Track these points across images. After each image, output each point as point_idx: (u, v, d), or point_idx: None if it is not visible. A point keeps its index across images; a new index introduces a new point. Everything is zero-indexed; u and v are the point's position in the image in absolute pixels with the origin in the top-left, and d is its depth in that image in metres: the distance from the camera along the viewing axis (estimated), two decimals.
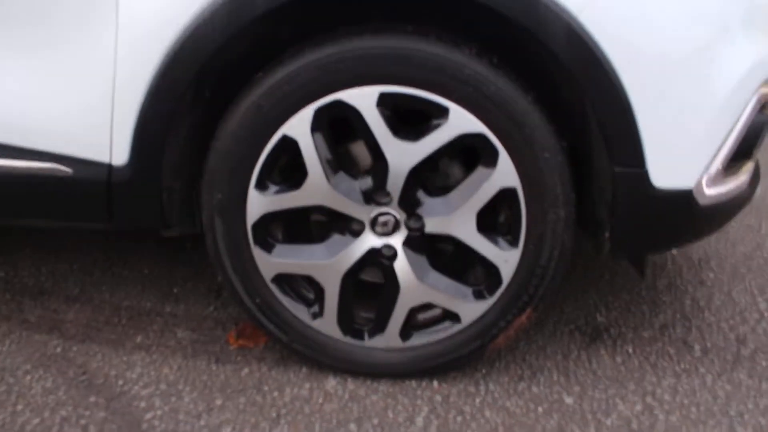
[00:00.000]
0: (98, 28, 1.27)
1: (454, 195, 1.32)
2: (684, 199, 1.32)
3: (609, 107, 1.24)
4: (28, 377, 1.43)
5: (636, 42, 1.23)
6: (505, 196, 1.31)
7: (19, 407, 1.34)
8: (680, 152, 1.30)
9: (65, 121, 1.34)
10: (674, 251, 2.02)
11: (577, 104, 1.31)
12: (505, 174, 1.29)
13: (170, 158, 1.37)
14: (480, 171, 1.30)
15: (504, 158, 1.28)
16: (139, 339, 1.57)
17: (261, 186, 1.33)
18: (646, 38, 1.23)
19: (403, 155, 1.28)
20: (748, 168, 1.52)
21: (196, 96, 1.35)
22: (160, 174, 1.36)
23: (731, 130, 1.33)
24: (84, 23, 1.28)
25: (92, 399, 1.37)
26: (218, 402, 1.37)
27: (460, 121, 1.26)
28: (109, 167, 1.35)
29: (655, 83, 1.24)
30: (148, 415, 1.33)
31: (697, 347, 1.58)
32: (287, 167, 1.37)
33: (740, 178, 1.47)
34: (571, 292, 1.79)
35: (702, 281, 1.87)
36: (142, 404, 1.36)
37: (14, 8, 1.29)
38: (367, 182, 1.34)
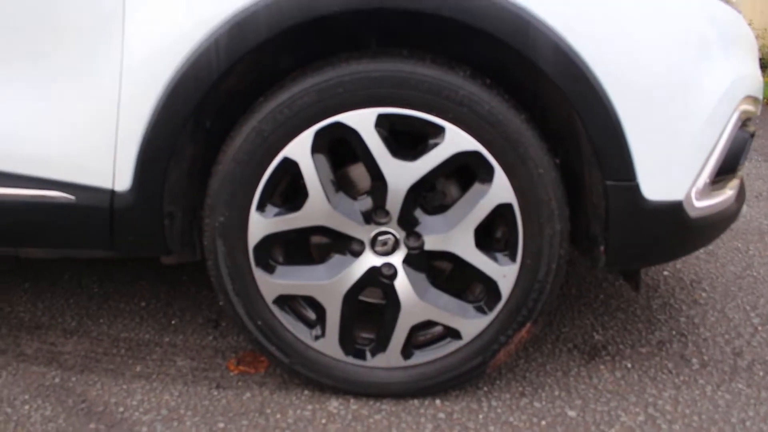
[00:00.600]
0: (103, 58, 1.31)
1: (452, 212, 1.36)
2: (675, 211, 1.36)
3: (598, 123, 1.29)
4: (27, 407, 1.41)
5: (623, 60, 1.28)
6: (502, 212, 1.34)
7: None
8: (669, 165, 1.34)
9: (69, 148, 1.36)
10: (666, 272, 2.06)
11: (569, 121, 1.36)
12: (501, 190, 1.32)
13: (172, 185, 1.39)
14: (477, 188, 1.34)
15: (499, 175, 1.31)
16: (138, 368, 1.56)
17: (262, 208, 1.35)
18: (631, 57, 1.29)
19: (401, 174, 1.32)
20: (733, 184, 1.57)
21: (197, 124, 1.38)
22: (162, 200, 1.38)
23: (716, 144, 1.39)
24: (88, 54, 1.31)
25: (92, 426, 1.36)
26: (221, 425, 1.36)
27: (456, 139, 1.30)
28: (111, 193, 1.37)
29: (642, 99, 1.30)
30: None
31: (694, 360, 1.60)
32: (287, 191, 1.40)
33: (727, 193, 1.53)
34: (568, 314, 1.81)
35: (695, 300, 1.90)
36: (144, 429, 1.35)
37: (20, 38, 1.32)
38: (367, 203, 1.36)
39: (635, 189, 1.32)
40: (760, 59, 6.04)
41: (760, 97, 1.56)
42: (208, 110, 1.39)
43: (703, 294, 1.93)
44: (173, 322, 1.78)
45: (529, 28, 1.25)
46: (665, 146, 1.33)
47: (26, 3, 1.30)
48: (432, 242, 1.37)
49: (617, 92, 1.28)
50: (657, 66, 1.30)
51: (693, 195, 1.38)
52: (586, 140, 1.33)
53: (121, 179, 1.36)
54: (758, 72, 1.56)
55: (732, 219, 1.60)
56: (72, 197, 1.38)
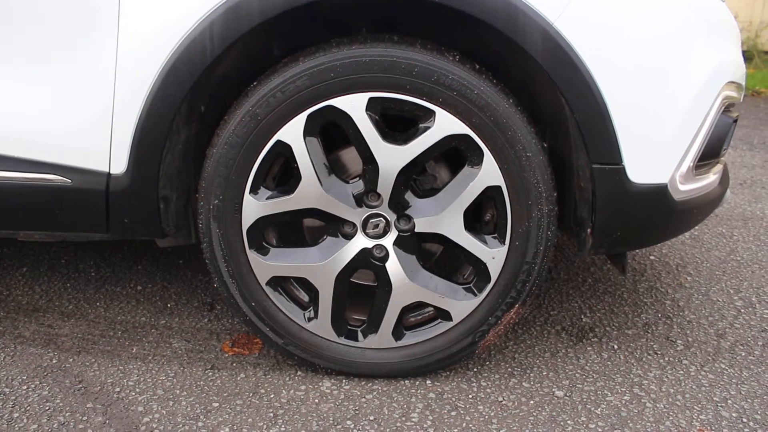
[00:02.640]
0: (98, 42, 1.33)
1: (442, 195, 1.38)
2: (660, 194, 1.39)
3: (585, 107, 1.32)
4: (25, 387, 1.44)
5: (609, 46, 1.31)
6: (491, 194, 1.37)
7: (16, 415, 1.35)
8: (654, 149, 1.37)
9: (65, 132, 1.38)
10: (652, 257, 2.09)
11: (557, 106, 1.39)
12: (490, 173, 1.35)
13: (167, 168, 1.42)
14: (466, 171, 1.36)
15: (488, 158, 1.34)
16: (134, 350, 1.59)
17: (256, 191, 1.38)
18: (617, 43, 1.32)
19: (392, 157, 1.34)
20: (717, 169, 1.61)
21: (191, 108, 1.41)
22: (157, 183, 1.40)
23: (699, 129, 1.42)
24: (85, 37, 1.33)
25: (89, 405, 1.38)
26: (215, 405, 1.39)
27: (446, 123, 1.32)
28: (107, 176, 1.39)
29: (627, 84, 1.33)
30: (146, 419, 1.35)
31: (679, 342, 1.64)
32: (281, 175, 1.43)
33: (710, 178, 1.56)
34: (556, 297, 1.85)
35: (681, 284, 1.93)
36: (140, 408, 1.38)
37: (18, 23, 1.34)
38: (359, 186, 1.39)
39: (621, 172, 1.35)
40: (745, 51, 6.12)
41: (743, 83, 1.59)
42: (203, 94, 1.41)
43: (688, 278, 1.97)
44: (169, 305, 1.81)
45: (518, 15, 1.27)
46: (650, 130, 1.36)
47: (30, 7, 1.32)
48: (422, 224, 1.39)
49: (603, 77, 1.31)
50: (642, 51, 1.33)
51: (677, 178, 1.41)
52: (573, 124, 1.36)
53: (117, 162, 1.38)
54: (741, 59, 1.59)
55: (716, 204, 1.64)
56: (69, 180, 1.40)
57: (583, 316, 1.75)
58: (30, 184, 1.41)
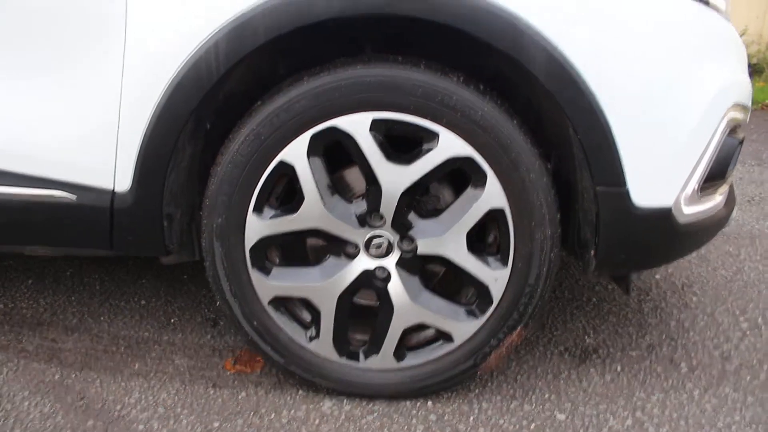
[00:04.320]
0: (104, 58, 1.33)
1: (445, 216, 1.38)
2: (664, 217, 1.38)
3: (589, 129, 1.31)
4: (26, 403, 1.44)
5: (613, 68, 1.30)
6: (494, 216, 1.37)
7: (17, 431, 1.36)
8: (658, 172, 1.37)
9: (70, 148, 1.39)
10: (657, 276, 2.08)
11: (562, 127, 1.39)
12: (493, 195, 1.35)
13: (171, 185, 1.42)
14: (469, 192, 1.36)
15: (492, 179, 1.34)
16: (137, 366, 1.59)
17: (259, 210, 1.38)
18: (622, 64, 1.31)
19: (395, 178, 1.34)
20: (723, 190, 1.60)
21: (196, 126, 1.41)
22: (162, 201, 1.41)
23: (705, 151, 1.41)
24: (90, 54, 1.34)
25: (90, 423, 1.38)
26: (216, 424, 1.39)
27: (450, 144, 1.32)
28: (111, 193, 1.40)
29: (631, 106, 1.32)
30: None
31: (683, 365, 1.62)
32: (284, 193, 1.43)
33: (716, 199, 1.55)
34: (560, 317, 1.84)
35: (686, 304, 1.92)
36: (141, 427, 1.37)
37: (22, 38, 1.35)
38: (362, 206, 1.39)
39: (625, 195, 1.35)
40: (755, 64, 6.09)
41: (749, 104, 1.58)
42: (209, 111, 1.42)
43: (694, 298, 1.96)
44: (172, 320, 1.81)
45: (523, 37, 1.27)
46: (655, 153, 1.35)
47: (30, 7, 1.33)
48: (425, 246, 1.39)
49: (608, 100, 1.30)
50: (647, 74, 1.33)
51: (682, 201, 1.40)
52: (577, 146, 1.36)
53: (122, 180, 1.39)
54: (747, 79, 1.58)
55: (721, 225, 1.62)
56: (73, 197, 1.41)
57: (586, 337, 1.74)
58: (35, 201, 1.42)
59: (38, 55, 1.35)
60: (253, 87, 1.43)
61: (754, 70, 5.82)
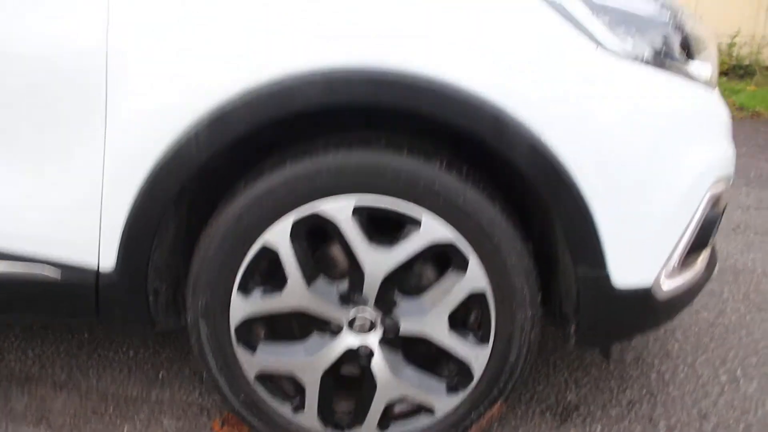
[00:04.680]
0: (87, 144, 1.33)
1: (427, 296, 1.40)
2: (644, 295, 1.41)
3: (571, 217, 1.33)
4: None
5: (594, 154, 1.31)
6: (475, 297, 1.39)
7: None
8: (639, 254, 1.39)
9: (55, 229, 1.39)
10: None
11: (543, 209, 1.40)
12: (475, 278, 1.36)
13: (156, 262, 1.43)
14: (451, 275, 1.38)
15: (474, 264, 1.35)
16: (125, 429, 1.62)
17: (244, 290, 1.39)
18: (604, 150, 1.32)
19: (378, 262, 1.35)
20: (704, 256, 1.62)
21: (180, 202, 1.42)
22: (146, 278, 1.42)
23: (686, 230, 1.43)
24: (73, 139, 1.34)
25: None
26: None
27: (432, 229, 1.33)
28: (96, 272, 1.41)
29: (614, 193, 1.33)
30: None
31: (662, 424, 1.66)
32: (268, 270, 1.44)
33: (697, 267, 1.57)
34: (543, 369, 1.87)
35: (667, 353, 1.95)
36: None
37: (8, 126, 1.35)
38: (345, 285, 1.41)
39: (605, 277, 1.37)
40: (747, 65, 6.08)
41: (732, 171, 1.59)
42: (192, 189, 1.42)
43: (676, 345, 1.99)
44: (161, 374, 1.83)
45: (507, 128, 1.28)
46: (636, 236, 1.37)
47: (13, 95, 1.32)
48: (408, 325, 1.41)
49: (590, 188, 1.31)
50: (629, 161, 1.34)
51: (662, 277, 1.43)
52: (559, 229, 1.37)
53: (106, 259, 1.40)
54: (730, 149, 1.59)
55: (701, 287, 1.65)
56: (58, 275, 1.42)
57: (568, 392, 1.77)
58: (21, 277, 1.43)
59: (22, 141, 1.35)
60: (236, 162, 1.43)
61: (746, 72, 5.82)
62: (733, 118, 5.23)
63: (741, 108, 4.94)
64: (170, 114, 1.30)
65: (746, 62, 5.98)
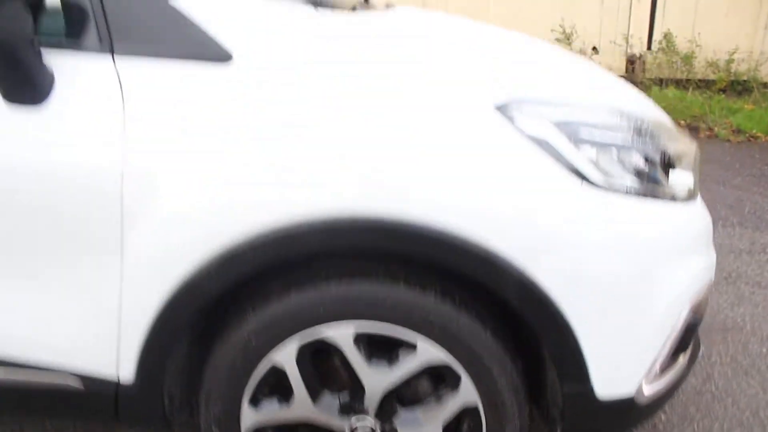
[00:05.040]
0: (104, 272, 1.44)
1: (423, 409, 1.51)
2: (626, 403, 1.51)
3: (556, 342, 1.43)
4: None
5: (578, 283, 1.41)
6: (468, 410, 1.49)
7: None
8: (621, 369, 1.49)
9: (80, 345, 1.50)
10: None
11: (531, 332, 1.50)
12: (467, 394, 1.47)
13: (171, 372, 1.54)
14: (445, 391, 1.49)
15: (466, 381, 1.46)
16: None
17: (253, 403, 1.51)
18: (586, 278, 1.41)
19: (378, 380, 1.47)
20: (687, 352, 1.71)
21: (193, 324, 1.52)
22: (163, 386, 1.53)
23: (666, 341, 1.52)
24: (93, 267, 1.44)
25: None
26: None
27: (427, 352, 1.44)
28: (116, 384, 1.52)
29: (596, 315, 1.43)
30: None
31: None
32: (275, 381, 1.55)
33: (677, 366, 1.67)
34: None
35: (654, 426, 2.05)
36: None
37: (35, 254, 1.45)
38: (347, 397, 1.52)
39: (589, 391, 1.47)
40: (745, 81, 6.10)
41: (713, 277, 1.68)
42: (205, 311, 1.52)
43: (663, 416, 2.09)
44: None
45: (495, 266, 1.37)
46: (618, 353, 1.47)
47: (37, 226, 1.42)
48: None
49: (574, 314, 1.40)
50: (611, 287, 1.43)
51: (644, 384, 1.52)
52: (546, 349, 1.48)
53: (125, 371, 1.51)
54: (712, 257, 1.68)
55: (685, 379, 1.74)
56: (81, 386, 1.53)
57: None
58: (45, 387, 1.54)
59: (47, 269, 1.45)
60: (246, 288, 1.53)
61: (744, 89, 5.84)
62: (730, 142, 5.27)
63: (738, 130, 4.95)
64: (182, 253, 1.40)
65: (744, 78, 6.00)
